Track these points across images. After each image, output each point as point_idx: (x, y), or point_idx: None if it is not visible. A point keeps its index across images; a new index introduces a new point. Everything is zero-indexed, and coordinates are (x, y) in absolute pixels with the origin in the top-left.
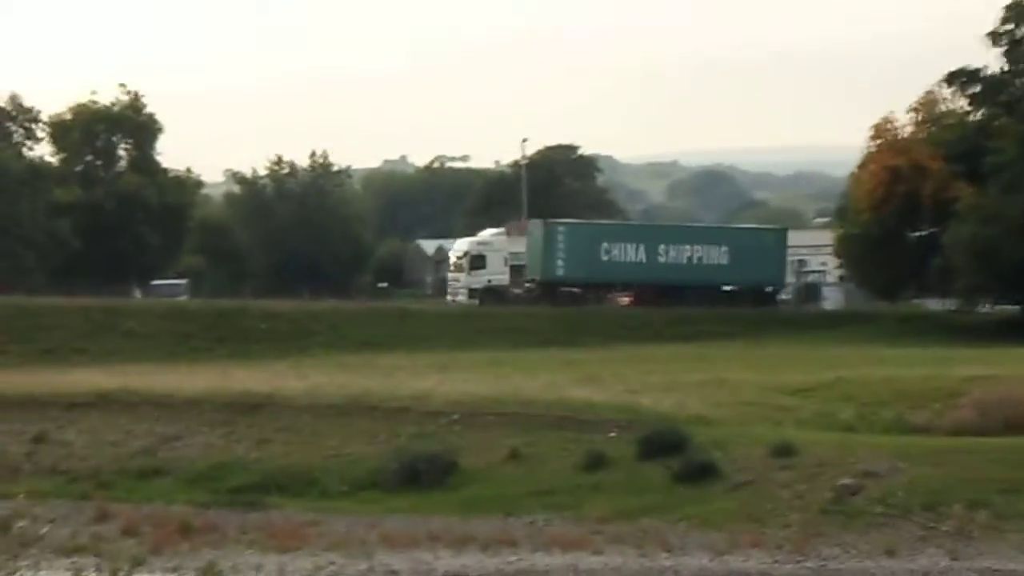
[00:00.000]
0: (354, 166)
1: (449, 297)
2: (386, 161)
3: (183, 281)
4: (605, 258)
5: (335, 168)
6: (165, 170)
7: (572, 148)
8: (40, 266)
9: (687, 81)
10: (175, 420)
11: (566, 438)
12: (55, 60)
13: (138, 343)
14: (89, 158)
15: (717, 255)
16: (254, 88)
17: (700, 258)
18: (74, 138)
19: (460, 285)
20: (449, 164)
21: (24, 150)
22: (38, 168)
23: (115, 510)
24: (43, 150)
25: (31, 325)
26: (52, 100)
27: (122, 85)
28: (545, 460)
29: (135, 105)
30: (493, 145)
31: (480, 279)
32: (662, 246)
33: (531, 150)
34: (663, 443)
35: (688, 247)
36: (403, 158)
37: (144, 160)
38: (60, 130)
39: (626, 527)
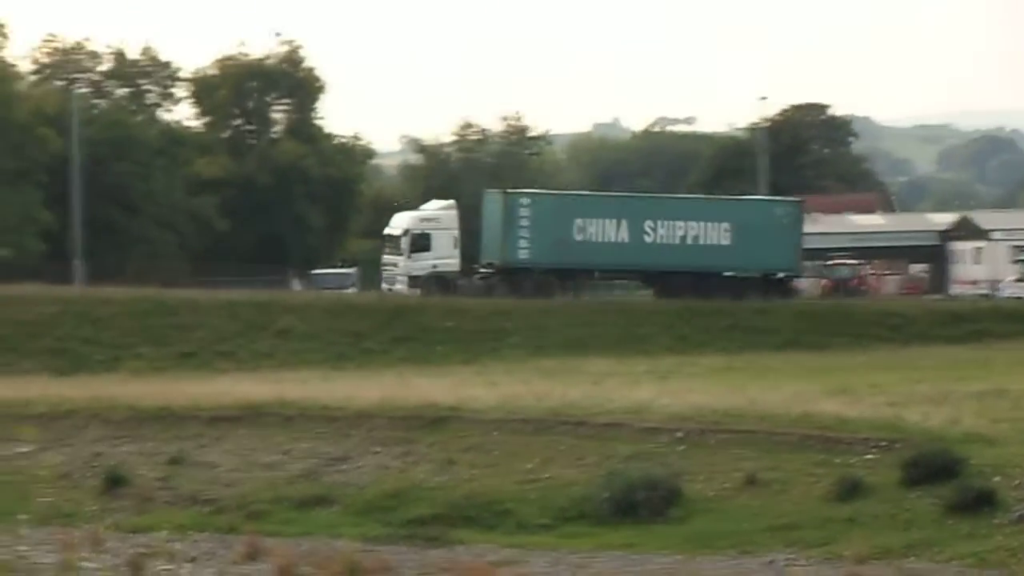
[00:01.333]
0: (557, 131)
1: (384, 286)
2: (596, 125)
3: (352, 270)
4: (579, 237)
5: (532, 133)
6: (329, 136)
7: (821, 108)
8: (179, 252)
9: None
10: (341, 438)
11: (813, 461)
12: (197, 6)
13: (296, 345)
14: (238, 122)
15: (717, 234)
16: (439, 39)
17: (696, 237)
18: (220, 98)
19: (399, 271)
20: (671, 128)
21: (160, 113)
22: (176, 134)
23: (268, 546)
24: (182, 113)
25: (168, 324)
26: (193, 53)
27: (277, 34)
28: (788, 487)
29: (293, 58)
30: (724, 105)
31: (423, 264)
32: (648, 223)
33: (771, 110)
34: (932, 467)
35: (681, 224)
36: (616, 121)
37: (303, 125)
38: (203, 89)
39: (887, 569)
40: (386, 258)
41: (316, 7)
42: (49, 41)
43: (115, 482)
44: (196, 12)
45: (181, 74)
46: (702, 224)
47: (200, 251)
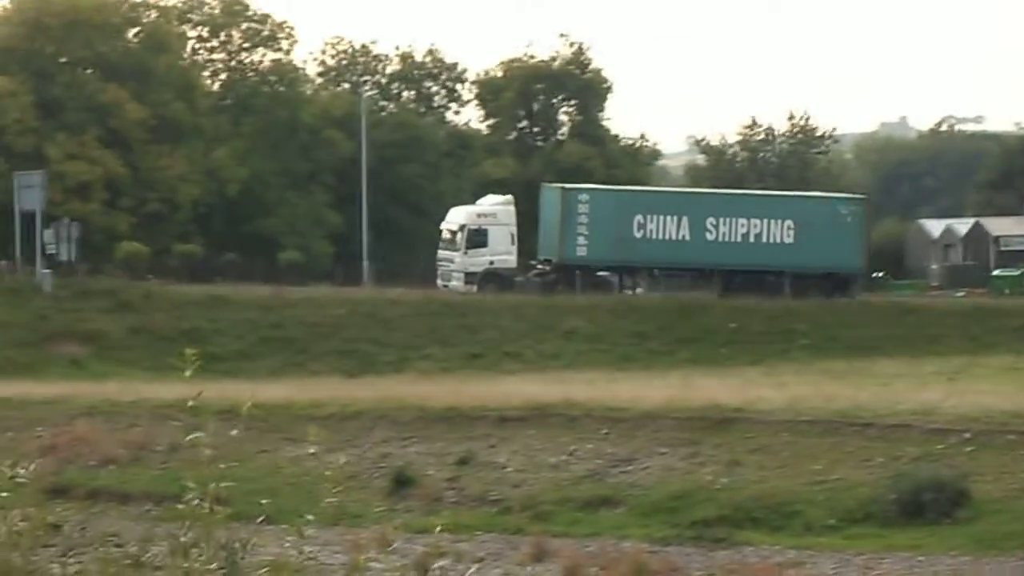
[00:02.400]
0: (843, 131)
1: (440, 282)
2: (883, 124)
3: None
4: (639, 234)
5: (818, 133)
6: (615, 137)
7: None
8: None
9: None
10: (627, 439)
11: None
12: (482, 7)
13: (582, 345)
14: (523, 124)
15: (780, 231)
16: (725, 37)
17: (759, 235)
18: (506, 100)
19: (455, 267)
20: (959, 127)
21: (447, 115)
22: (463, 136)
23: (554, 547)
24: (469, 115)
25: (455, 325)
26: (479, 55)
27: (563, 36)
28: None
29: (579, 59)
30: (1014, 104)
31: (480, 260)
32: (711, 219)
33: None
34: None
35: (744, 221)
36: (903, 120)
37: (589, 126)
38: (489, 91)
39: None
40: (442, 254)
41: (602, 7)
42: (335, 44)
43: (402, 483)
44: (482, 14)
45: (467, 76)
46: (765, 221)
47: None
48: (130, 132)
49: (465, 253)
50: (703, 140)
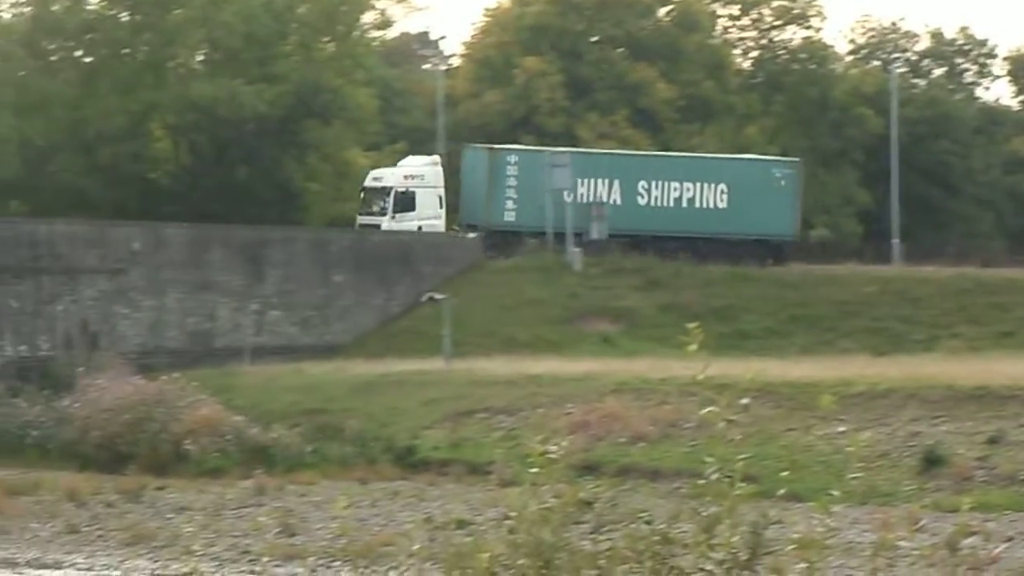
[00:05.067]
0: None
1: None
2: None
3: None
4: (569, 199)
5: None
6: None
7: None
8: (997, 231)
9: None
10: None
11: None
12: None
13: None
14: None
15: (713, 196)
16: None
17: (691, 199)
18: None
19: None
20: None
21: (976, 91)
22: (994, 113)
23: None
24: (1000, 91)
25: (986, 303)
26: (1012, 32)
27: None
28: None
29: None
30: None
31: (407, 224)
32: (642, 183)
33: None
34: None
35: (676, 184)
36: None
37: None
38: (1020, 67)
39: None
40: (363, 219)
41: None
42: (864, 22)
43: (932, 462)
44: None
45: (997, 52)
46: (698, 185)
47: (1017, 230)
48: (660, 111)
49: (392, 217)
50: None
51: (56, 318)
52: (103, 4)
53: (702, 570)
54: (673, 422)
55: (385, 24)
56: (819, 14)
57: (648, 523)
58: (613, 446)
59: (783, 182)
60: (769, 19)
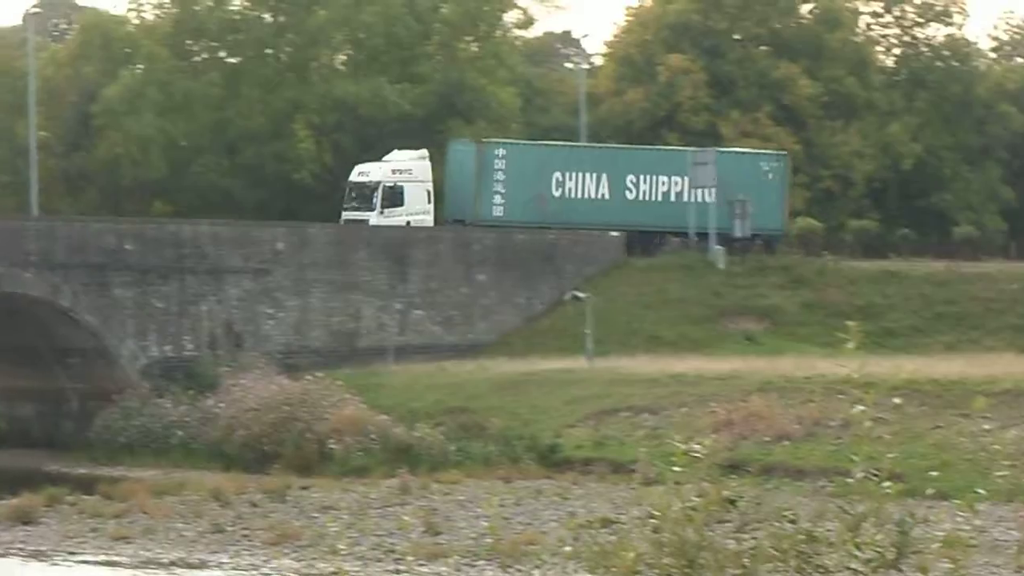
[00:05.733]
0: None
1: None
2: None
3: None
4: (558, 193)
5: None
6: None
7: None
8: None
9: None
10: None
11: None
12: None
13: None
14: None
15: (703, 190)
16: None
17: (679, 194)
18: None
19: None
20: None
21: None
22: None
23: None
24: None
25: None
26: None
27: None
28: None
29: None
30: None
31: (396, 219)
32: (630, 177)
33: None
34: None
35: (664, 179)
36: None
37: None
38: None
39: None
40: (348, 214)
41: None
42: (1007, 18)
43: None
44: None
45: None
46: (687, 179)
47: None
48: (803, 108)
49: (381, 212)
50: None
51: (201, 318)
52: (246, 5)
53: (847, 568)
54: (818, 420)
55: (527, 23)
56: (962, 11)
57: (792, 522)
58: (757, 445)
59: (771, 175)
60: (912, 16)
